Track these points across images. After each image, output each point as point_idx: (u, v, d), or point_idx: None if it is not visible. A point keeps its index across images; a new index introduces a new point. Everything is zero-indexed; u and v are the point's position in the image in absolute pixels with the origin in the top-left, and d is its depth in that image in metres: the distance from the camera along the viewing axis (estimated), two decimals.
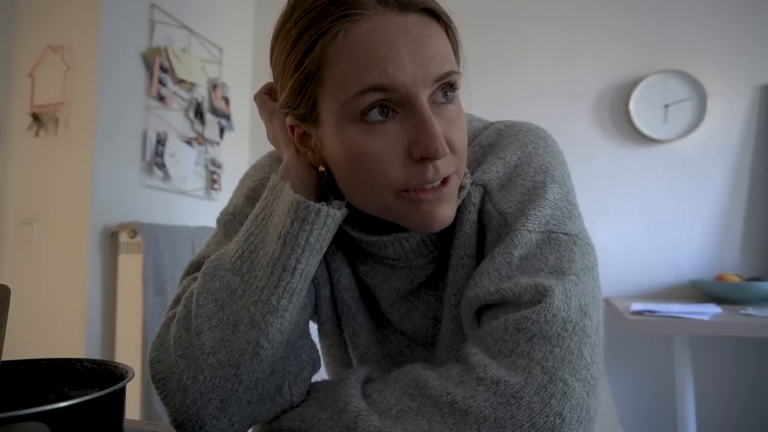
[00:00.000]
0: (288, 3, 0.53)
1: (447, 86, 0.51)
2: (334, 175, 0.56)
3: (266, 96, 0.64)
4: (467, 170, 0.59)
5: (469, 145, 0.61)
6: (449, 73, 0.50)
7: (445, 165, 0.51)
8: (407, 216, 0.53)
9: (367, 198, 0.53)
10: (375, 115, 0.49)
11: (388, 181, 0.50)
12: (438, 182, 0.51)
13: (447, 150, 0.48)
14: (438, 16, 0.51)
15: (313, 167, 0.57)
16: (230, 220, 0.64)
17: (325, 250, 0.54)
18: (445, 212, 0.52)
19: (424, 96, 0.49)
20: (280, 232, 0.52)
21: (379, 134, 0.49)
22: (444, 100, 0.51)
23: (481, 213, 0.58)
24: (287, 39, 0.51)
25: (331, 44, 0.48)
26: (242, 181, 0.69)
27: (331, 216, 0.52)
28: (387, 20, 0.48)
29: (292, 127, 0.57)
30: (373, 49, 0.47)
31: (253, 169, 0.70)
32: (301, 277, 0.52)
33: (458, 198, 0.56)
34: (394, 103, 0.49)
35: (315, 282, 0.65)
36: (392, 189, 0.51)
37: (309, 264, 0.52)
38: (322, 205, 0.52)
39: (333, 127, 0.51)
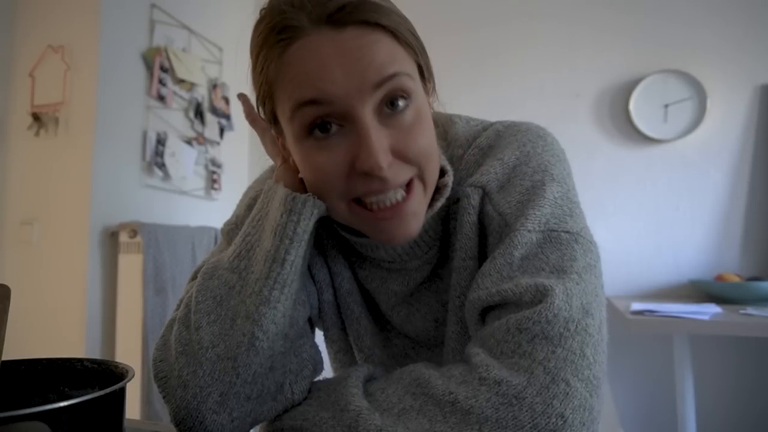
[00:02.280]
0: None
1: (396, 93, 0.50)
2: None
3: (256, 113, 0.66)
4: (449, 169, 0.59)
5: (468, 147, 0.62)
6: (392, 76, 0.49)
7: (395, 175, 0.51)
8: (367, 230, 0.55)
9: (330, 206, 0.55)
10: (318, 131, 0.50)
11: (338, 191, 0.52)
12: (398, 195, 0.52)
13: (383, 165, 0.48)
14: (379, 26, 0.50)
15: (297, 173, 0.59)
16: (233, 229, 0.65)
17: (310, 240, 0.56)
18: (408, 228, 0.53)
19: (363, 108, 0.48)
20: (273, 227, 0.54)
21: (326, 149, 0.51)
22: (390, 111, 0.50)
23: (482, 215, 0.58)
24: (252, 61, 0.56)
25: (272, 67, 0.52)
26: (245, 193, 0.71)
27: (317, 206, 0.54)
28: (319, 39, 0.49)
29: (278, 137, 0.60)
30: (304, 66, 0.49)
31: (255, 181, 0.72)
32: (291, 268, 0.53)
33: (441, 197, 0.57)
34: (337, 117, 0.50)
35: (318, 286, 0.66)
36: (343, 198, 0.53)
37: (298, 255, 0.54)
38: (309, 195, 0.54)
39: (291, 142, 0.54)
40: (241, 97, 0.67)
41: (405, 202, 0.52)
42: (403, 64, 0.51)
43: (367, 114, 0.49)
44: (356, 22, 0.49)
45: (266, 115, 0.57)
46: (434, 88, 0.60)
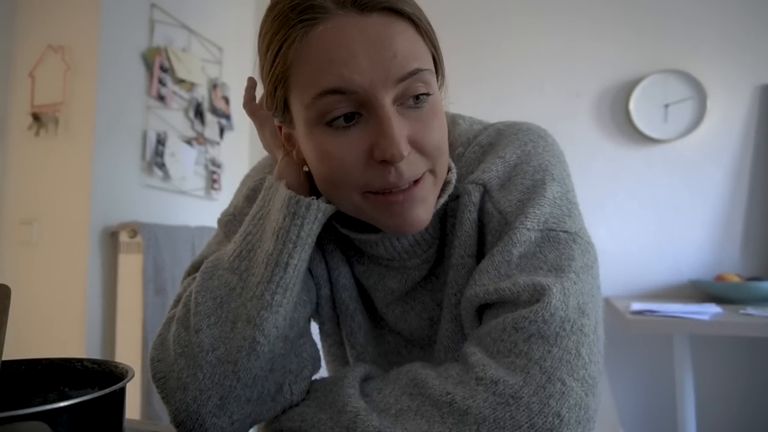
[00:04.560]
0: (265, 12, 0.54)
1: (417, 88, 0.49)
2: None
3: (255, 104, 0.65)
4: (453, 166, 0.59)
5: (469, 145, 0.62)
6: (415, 72, 0.48)
7: (410, 168, 0.50)
8: (378, 218, 0.53)
9: (339, 198, 0.53)
10: (339, 122, 0.49)
11: (353, 182, 0.51)
12: (405, 185, 0.51)
13: (404, 154, 0.48)
14: (404, 14, 0.49)
15: (301, 167, 0.58)
16: (231, 221, 0.64)
17: (313, 244, 0.55)
18: (418, 214, 0.52)
19: (385, 98, 0.48)
20: (275, 229, 0.53)
21: (343, 136, 0.49)
22: (409, 103, 0.50)
23: (482, 212, 0.58)
24: (262, 45, 0.53)
25: (292, 49, 0.49)
26: (243, 182, 0.70)
27: (322, 210, 0.53)
28: (345, 22, 0.47)
29: (281, 128, 0.59)
30: (328, 52, 0.47)
31: (254, 170, 0.71)
32: (294, 272, 0.53)
33: (444, 194, 0.56)
34: (356, 106, 0.48)
35: (316, 281, 0.66)
36: (357, 190, 0.51)
37: (301, 259, 0.53)
38: (312, 199, 0.53)
39: (303, 129, 0.52)
40: (250, 81, 0.65)
41: (414, 187, 0.51)
42: (424, 59, 0.50)
43: (388, 103, 0.48)
44: (382, 8, 0.48)
45: (276, 101, 0.54)
46: (444, 81, 0.59)
